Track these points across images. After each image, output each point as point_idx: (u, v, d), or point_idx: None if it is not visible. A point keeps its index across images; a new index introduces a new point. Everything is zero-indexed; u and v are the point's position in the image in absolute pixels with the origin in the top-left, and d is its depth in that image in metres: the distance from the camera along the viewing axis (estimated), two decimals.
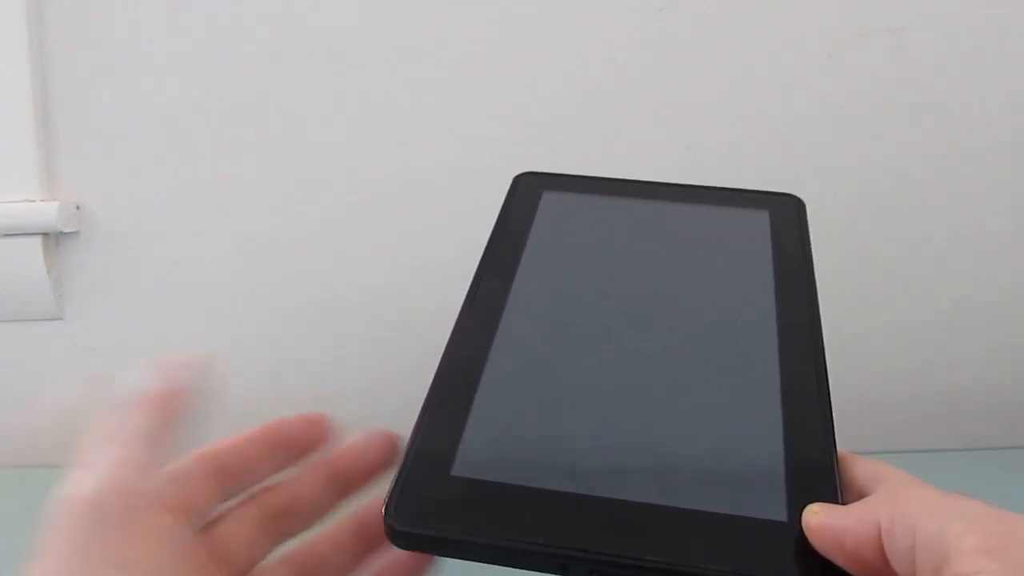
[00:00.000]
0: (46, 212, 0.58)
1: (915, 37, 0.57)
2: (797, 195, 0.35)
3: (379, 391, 0.59)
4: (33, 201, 0.58)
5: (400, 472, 0.24)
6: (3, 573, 0.45)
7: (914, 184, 0.59)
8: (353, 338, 0.62)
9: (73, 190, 0.60)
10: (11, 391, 0.63)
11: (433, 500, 0.23)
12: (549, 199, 0.35)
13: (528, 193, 0.35)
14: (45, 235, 0.59)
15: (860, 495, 0.24)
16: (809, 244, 0.33)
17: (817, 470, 0.24)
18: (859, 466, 0.25)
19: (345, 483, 0.29)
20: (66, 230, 0.59)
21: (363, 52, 0.59)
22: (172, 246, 0.61)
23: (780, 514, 0.23)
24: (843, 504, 0.23)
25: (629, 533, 0.22)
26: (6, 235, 0.58)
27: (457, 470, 0.24)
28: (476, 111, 0.59)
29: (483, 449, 0.25)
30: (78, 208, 0.60)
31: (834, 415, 0.26)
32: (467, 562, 0.23)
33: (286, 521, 0.28)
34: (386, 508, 0.23)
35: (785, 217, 0.34)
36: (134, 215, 0.61)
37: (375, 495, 0.28)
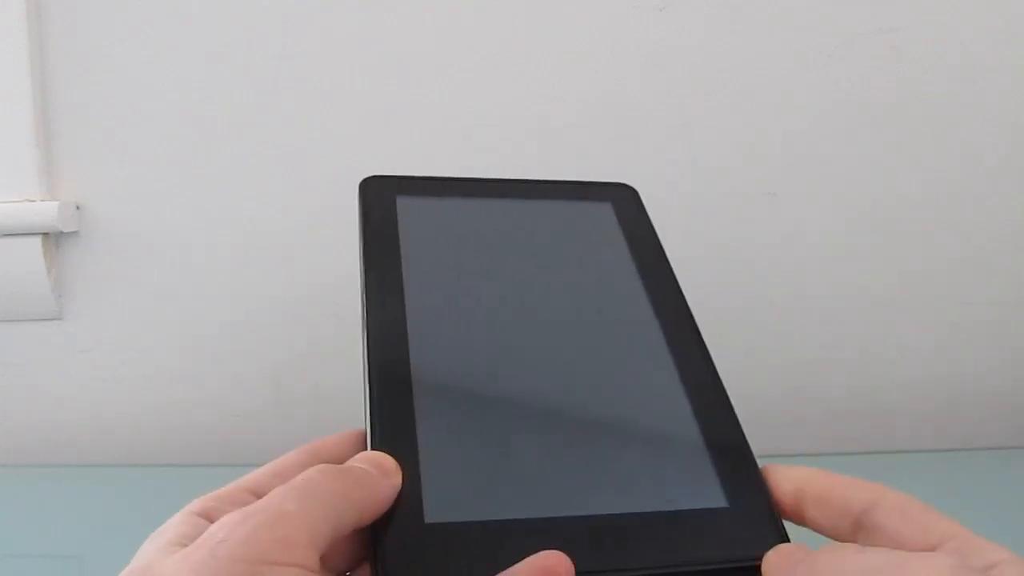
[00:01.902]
0: (46, 212, 0.58)
1: (915, 37, 0.57)
2: (629, 184, 0.37)
3: None
4: (33, 201, 0.58)
5: (378, 528, 0.24)
6: (3, 573, 0.45)
7: (914, 184, 0.59)
8: (353, 338, 0.62)
9: (73, 190, 0.60)
10: (11, 391, 0.63)
11: (421, 551, 0.23)
12: (405, 205, 0.35)
13: (382, 199, 0.35)
14: (45, 235, 0.59)
15: (792, 503, 0.25)
16: (654, 229, 0.35)
17: (736, 452, 0.27)
18: (779, 474, 0.26)
19: None
20: (66, 230, 0.59)
21: (364, 53, 0.59)
22: (172, 246, 0.61)
23: (720, 500, 0.25)
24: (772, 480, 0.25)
25: (600, 547, 0.24)
26: (6, 235, 0.58)
27: (430, 517, 0.24)
28: (476, 111, 0.59)
29: (445, 491, 0.25)
30: (78, 208, 0.60)
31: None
32: None
33: None
34: (376, 569, 0.23)
35: (627, 206, 0.36)
36: (134, 215, 0.61)
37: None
